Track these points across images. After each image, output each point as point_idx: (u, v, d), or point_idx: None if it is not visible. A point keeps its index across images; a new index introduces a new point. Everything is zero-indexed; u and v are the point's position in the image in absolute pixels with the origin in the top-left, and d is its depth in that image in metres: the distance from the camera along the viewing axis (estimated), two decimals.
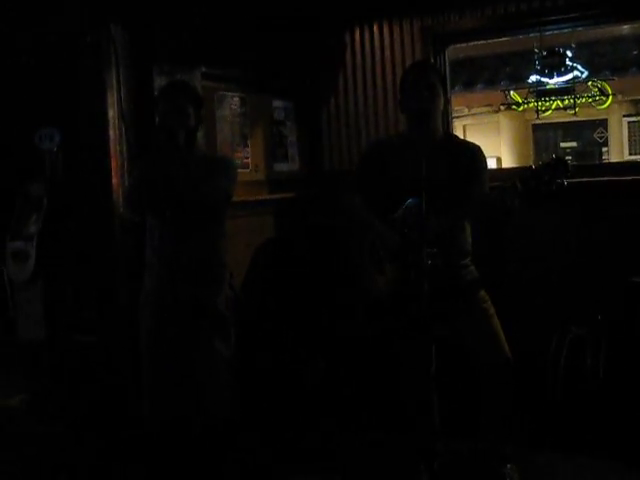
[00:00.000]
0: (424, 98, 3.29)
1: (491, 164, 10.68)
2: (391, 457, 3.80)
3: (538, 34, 5.25)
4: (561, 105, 8.70)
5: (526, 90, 9.05)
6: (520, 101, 9.50)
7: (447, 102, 4.93)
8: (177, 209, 3.40)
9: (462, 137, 10.33)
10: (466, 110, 11.58)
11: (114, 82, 3.98)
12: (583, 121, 11.38)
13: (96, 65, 3.99)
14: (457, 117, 10.44)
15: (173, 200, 3.38)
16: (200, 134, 4.15)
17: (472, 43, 5.40)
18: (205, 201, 3.42)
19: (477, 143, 3.55)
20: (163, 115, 3.44)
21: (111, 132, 3.99)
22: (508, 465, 3.46)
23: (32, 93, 4.34)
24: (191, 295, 3.47)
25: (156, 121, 3.50)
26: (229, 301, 3.60)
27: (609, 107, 9.88)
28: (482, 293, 3.44)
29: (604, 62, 9.31)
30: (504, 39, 5.43)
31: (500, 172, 6.60)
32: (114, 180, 3.97)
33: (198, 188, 3.37)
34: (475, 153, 3.46)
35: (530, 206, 3.10)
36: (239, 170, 4.74)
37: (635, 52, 9.28)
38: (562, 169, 3.00)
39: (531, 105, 9.10)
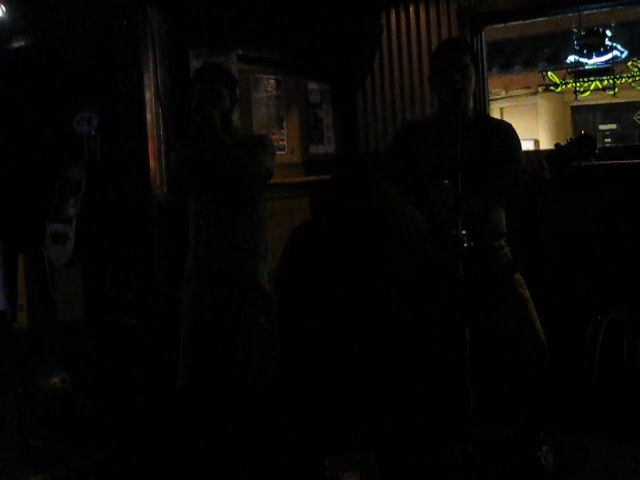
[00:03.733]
0: (457, 80, 3.25)
1: (529, 146, 10.58)
2: (426, 438, 3.81)
3: (577, 13, 5.18)
4: (600, 86, 8.59)
5: (564, 71, 8.95)
6: (558, 82, 9.39)
7: (484, 84, 4.94)
8: (219, 188, 3.44)
9: None
10: (503, 92, 11.46)
11: (151, 65, 4.00)
12: (623, 103, 11.22)
13: (133, 48, 4.01)
14: (494, 99, 10.35)
15: (216, 181, 3.42)
16: (236, 116, 4.19)
17: (509, 24, 5.34)
18: (246, 177, 3.44)
19: (515, 126, 3.50)
20: (198, 98, 3.46)
21: (148, 115, 4.02)
22: (543, 447, 3.45)
23: (70, 77, 4.39)
24: (233, 270, 3.51)
25: (191, 104, 3.53)
26: (272, 278, 3.62)
27: None
28: (517, 276, 3.42)
29: None
30: (542, 19, 5.35)
31: (538, 154, 6.53)
32: (151, 162, 4.01)
33: (239, 165, 3.39)
34: (508, 131, 3.42)
35: (566, 187, 3.06)
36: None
37: None
38: (589, 146, 2.96)
39: (569, 86, 9.00)
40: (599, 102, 11.00)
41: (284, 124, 5.04)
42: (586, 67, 8.36)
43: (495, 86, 10.26)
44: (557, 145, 3.03)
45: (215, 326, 3.50)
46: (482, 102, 4.87)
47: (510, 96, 11.69)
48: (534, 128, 11.83)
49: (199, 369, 3.53)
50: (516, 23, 5.45)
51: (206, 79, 3.50)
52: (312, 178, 5.17)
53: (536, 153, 7.35)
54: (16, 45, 4.69)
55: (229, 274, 3.51)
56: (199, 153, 3.42)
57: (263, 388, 3.54)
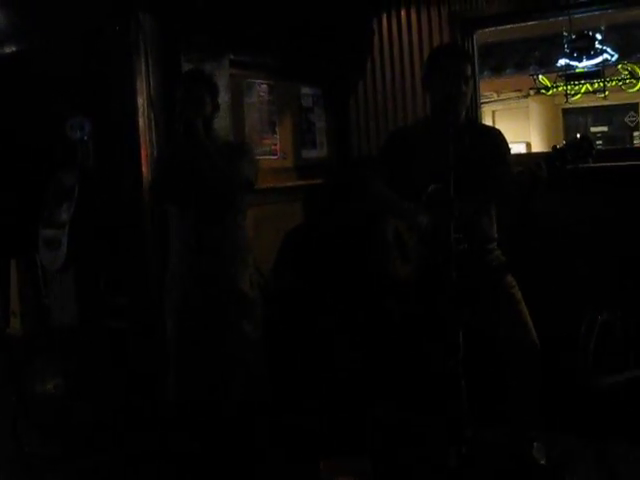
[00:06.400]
0: (455, 86, 3.27)
1: (521, 149, 10.62)
2: (420, 441, 3.82)
3: (567, 17, 5.20)
4: (590, 89, 8.63)
5: (555, 74, 8.98)
6: (549, 85, 9.43)
7: (476, 87, 4.96)
8: (201, 196, 3.45)
9: (491, 123, 10.28)
10: (495, 95, 11.50)
11: (143, 70, 4.01)
12: (614, 105, 11.27)
13: (125, 54, 4.02)
14: (486, 102, 10.37)
15: (197, 188, 3.44)
16: (227, 122, 4.20)
17: (500, 27, 5.35)
18: (227, 186, 3.47)
19: (507, 129, 3.54)
20: (181, 105, 3.49)
21: (140, 120, 4.02)
22: (535, 444, 3.47)
23: (62, 83, 4.38)
24: (214, 277, 3.54)
25: (174, 110, 3.56)
26: (254, 283, 3.65)
27: None
28: (509, 278, 3.43)
29: (635, 45, 9.17)
30: (532, 23, 5.37)
31: (529, 157, 6.55)
32: (144, 168, 4.01)
33: (219, 173, 3.42)
34: (497, 137, 3.46)
35: (559, 189, 3.09)
36: (268, 157, 4.81)
37: None
38: (586, 148, 2.99)
39: (560, 89, 9.03)
40: (590, 104, 11.04)
41: (276, 129, 5.05)
42: (577, 70, 8.39)
43: (487, 89, 10.29)
44: (554, 147, 3.06)
45: (200, 333, 3.52)
46: (474, 105, 4.88)
47: (502, 99, 11.73)
48: (526, 131, 11.88)
49: (188, 377, 3.55)
50: (507, 27, 5.47)
51: (188, 86, 3.53)
52: (305, 182, 5.18)
53: (528, 156, 7.38)
54: (7, 51, 4.69)
55: (211, 280, 3.54)
56: (181, 160, 3.44)
57: (249, 392, 3.57)
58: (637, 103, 11.47)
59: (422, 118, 4.19)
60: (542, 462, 3.44)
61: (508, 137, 3.51)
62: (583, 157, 3.01)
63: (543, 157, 3.06)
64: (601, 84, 8.49)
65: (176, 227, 3.61)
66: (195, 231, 3.53)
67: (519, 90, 11.42)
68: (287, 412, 4.07)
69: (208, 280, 3.54)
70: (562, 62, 8.37)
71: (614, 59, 8.68)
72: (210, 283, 3.54)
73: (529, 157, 6.40)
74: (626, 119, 11.79)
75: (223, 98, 4.19)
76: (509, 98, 11.73)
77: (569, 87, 8.58)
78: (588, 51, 8.17)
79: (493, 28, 5.26)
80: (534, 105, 11.89)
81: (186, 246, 3.56)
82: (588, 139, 3.03)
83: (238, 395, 3.57)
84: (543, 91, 9.69)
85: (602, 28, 8.13)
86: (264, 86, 4.94)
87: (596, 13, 5.29)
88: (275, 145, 5.02)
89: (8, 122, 4.72)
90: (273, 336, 3.84)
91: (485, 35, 5.42)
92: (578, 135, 3.08)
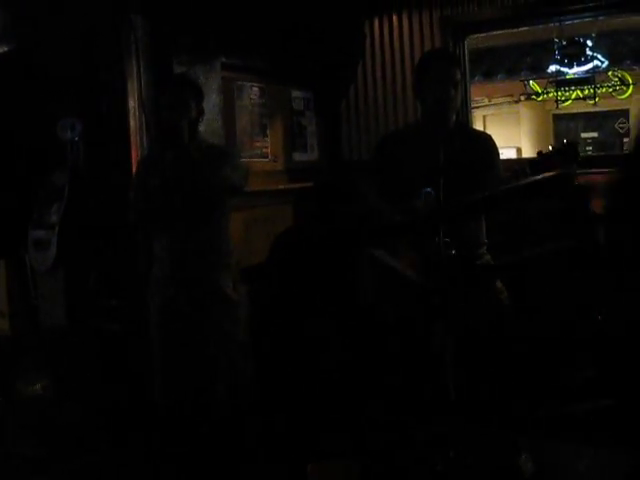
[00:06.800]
0: (446, 91, 3.28)
1: (511, 154, 10.65)
2: (408, 444, 3.82)
3: (558, 23, 5.23)
4: (581, 95, 8.70)
5: (546, 80, 9.03)
6: (540, 91, 9.48)
7: (466, 92, 4.98)
8: (185, 200, 3.46)
9: (482, 128, 10.30)
10: (486, 100, 11.53)
11: (134, 72, 4.01)
12: (604, 111, 11.32)
13: (117, 55, 4.02)
14: (477, 107, 10.40)
15: (181, 192, 3.44)
16: (219, 124, 4.20)
17: (491, 33, 5.38)
18: (211, 190, 3.47)
19: (497, 134, 3.54)
20: (165, 109, 3.49)
21: (131, 122, 4.02)
22: (523, 455, 3.47)
23: (53, 83, 4.38)
24: (198, 279, 3.55)
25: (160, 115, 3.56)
26: (236, 286, 3.66)
27: (630, 97, 9.82)
28: (498, 284, 3.44)
29: (625, 51, 9.22)
30: (524, 29, 5.41)
31: (519, 162, 6.57)
32: (134, 169, 4.01)
33: (203, 178, 3.42)
34: (487, 142, 3.46)
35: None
36: (259, 160, 4.81)
37: None
38: (572, 154, 3.00)
39: (551, 95, 9.09)
40: (581, 110, 11.09)
41: (268, 132, 5.06)
42: (567, 76, 8.45)
43: (478, 94, 10.32)
44: (540, 153, 3.07)
45: (183, 336, 3.53)
46: (464, 110, 4.90)
47: (493, 104, 11.76)
48: (516, 136, 11.91)
49: (173, 378, 3.55)
50: (498, 32, 5.50)
51: (173, 90, 3.53)
52: (295, 185, 5.18)
53: (518, 161, 7.41)
54: None
55: (193, 283, 3.55)
56: (164, 164, 3.44)
57: (232, 393, 3.57)
58: (627, 109, 11.52)
59: (413, 122, 4.21)
60: (529, 473, 3.45)
61: (498, 142, 3.52)
62: (569, 163, 3.02)
63: (528, 163, 3.07)
64: (591, 90, 8.55)
65: (160, 231, 3.61)
66: (179, 235, 3.53)
67: (510, 95, 11.45)
68: (275, 414, 4.06)
69: (192, 283, 3.55)
70: (553, 68, 8.43)
71: (604, 65, 8.74)
72: (194, 285, 3.55)
73: (518, 162, 6.42)
74: (616, 125, 11.84)
75: (214, 101, 4.21)
76: (500, 103, 11.75)
77: (560, 93, 8.64)
78: (579, 57, 8.23)
79: (484, 33, 5.29)
80: (525, 110, 11.93)
81: (170, 250, 3.56)
82: (574, 145, 3.04)
83: (221, 395, 3.57)
84: (534, 97, 9.74)
85: (593, 35, 8.19)
86: (255, 89, 4.95)
87: (587, 20, 5.34)
88: (266, 148, 5.03)
89: None
90: (262, 338, 3.84)
91: (476, 40, 5.46)
92: (565, 141, 3.09)
